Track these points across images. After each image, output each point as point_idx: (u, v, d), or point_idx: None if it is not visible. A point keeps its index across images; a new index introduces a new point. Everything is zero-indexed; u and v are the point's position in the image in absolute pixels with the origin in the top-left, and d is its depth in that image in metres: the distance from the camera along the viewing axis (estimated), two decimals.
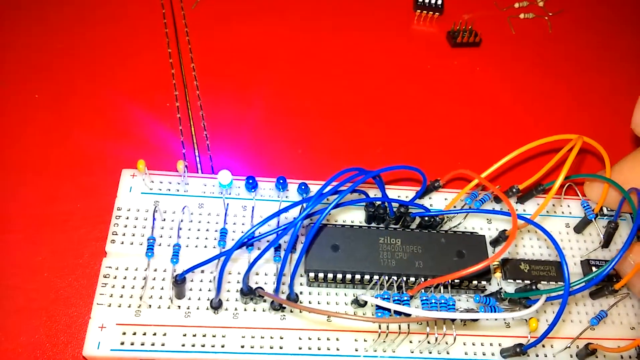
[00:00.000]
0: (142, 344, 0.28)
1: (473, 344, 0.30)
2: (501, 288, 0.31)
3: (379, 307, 0.28)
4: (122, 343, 0.28)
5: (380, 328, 0.28)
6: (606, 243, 0.34)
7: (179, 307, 0.29)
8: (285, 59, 0.42)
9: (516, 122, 0.42)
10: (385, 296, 0.29)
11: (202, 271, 0.30)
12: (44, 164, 0.35)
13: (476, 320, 0.30)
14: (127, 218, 0.32)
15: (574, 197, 0.36)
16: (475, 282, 0.31)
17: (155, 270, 0.30)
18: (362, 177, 0.29)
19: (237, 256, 0.31)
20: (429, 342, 0.29)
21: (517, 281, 0.32)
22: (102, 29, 0.41)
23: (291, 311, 0.30)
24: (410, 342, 0.30)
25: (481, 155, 0.40)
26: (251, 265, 0.28)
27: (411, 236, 0.31)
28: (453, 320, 0.29)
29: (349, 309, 0.31)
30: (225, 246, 0.31)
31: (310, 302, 0.30)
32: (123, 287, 0.30)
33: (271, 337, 0.29)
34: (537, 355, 0.31)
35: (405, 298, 0.29)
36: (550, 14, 0.49)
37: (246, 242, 0.29)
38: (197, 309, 0.29)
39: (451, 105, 0.43)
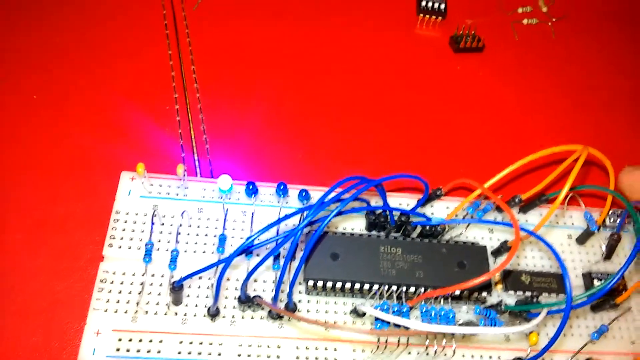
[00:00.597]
0: (138, 351, 0.28)
1: (472, 357, 0.30)
2: (502, 300, 0.31)
3: (378, 318, 0.28)
4: (118, 349, 0.28)
5: (379, 340, 0.28)
6: (608, 255, 0.34)
7: (176, 313, 0.29)
8: (287, 62, 0.42)
9: (519, 128, 0.42)
10: (385, 306, 0.29)
11: (200, 278, 0.30)
12: (42, 166, 0.35)
13: (475, 334, 0.30)
14: (126, 222, 0.31)
15: (577, 208, 0.36)
16: (475, 294, 0.31)
17: (153, 275, 0.30)
18: (364, 186, 0.28)
19: (235, 263, 0.31)
20: (427, 354, 0.29)
21: (518, 293, 0.32)
22: (102, 30, 0.40)
23: (289, 320, 0.29)
24: (409, 353, 0.29)
25: (483, 163, 0.39)
26: (250, 273, 0.28)
27: (412, 245, 0.31)
28: (452, 333, 0.28)
29: (348, 318, 0.30)
30: (224, 252, 0.31)
31: (308, 311, 0.30)
32: (120, 292, 0.29)
33: (268, 346, 0.29)
34: None
35: (405, 309, 0.29)
36: (554, 19, 0.48)
37: (246, 250, 0.29)
38: (194, 316, 0.29)
39: (454, 111, 0.42)
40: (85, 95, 0.38)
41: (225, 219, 0.32)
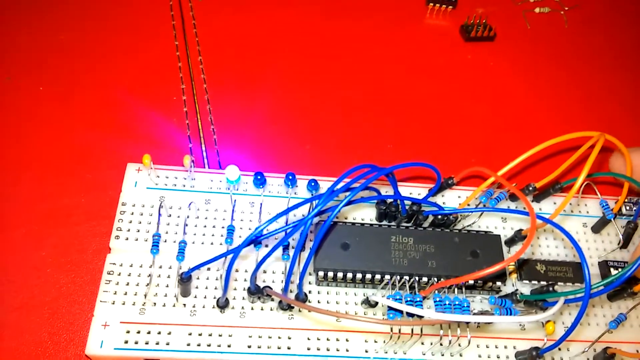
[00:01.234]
0: (147, 343, 0.27)
1: (487, 347, 0.29)
2: (517, 289, 0.30)
3: (390, 308, 0.27)
4: (126, 342, 0.27)
5: (391, 330, 0.27)
6: (625, 244, 0.33)
7: (185, 305, 0.29)
8: (295, 52, 0.41)
9: (530, 118, 0.41)
10: (397, 297, 0.28)
11: (209, 269, 0.30)
12: (48, 158, 0.34)
13: (491, 323, 0.29)
14: (132, 213, 0.31)
15: (593, 196, 0.35)
16: (490, 283, 0.30)
17: (161, 267, 0.30)
18: (375, 175, 0.28)
19: (244, 254, 0.30)
20: (441, 345, 0.28)
21: (533, 282, 0.31)
22: (108, 22, 0.40)
23: (300, 311, 0.29)
24: (422, 344, 0.29)
25: (495, 152, 0.39)
26: (259, 263, 0.27)
27: (424, 235, 0.30)
28: (467, 322, 0.28)
29: (360, 309, 0.30)
30: (233, 243, 0.30)
31: (319, 302, 0.30)
32: (127, 284, 0.29)
33: (279, 337, 0.28)
34: (553, 359, 0.30)
35: (418, 299, 0.28)
36: (566, 8, 0.48)
37: (254, 240, 0.28)
38: (203, 307, 0.29)
39: (465, 100, 0.41)
40: (92, 87, 0.37)
41: (233, 210, 0.32)
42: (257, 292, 0.28)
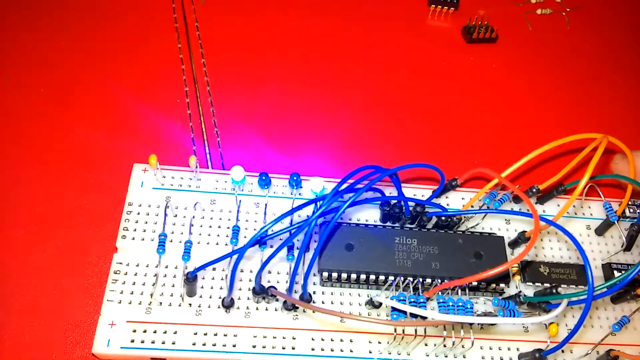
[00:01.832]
0: (153, 342, 0.28)
1: (490, 348, 0.30)
2: (520, 291, 0.30)
3: (394, 309, 0.28)
4: (132, 341, 0.28)
5: (395, 330, 0.27)
6: (628, 246, 0.33)
7: (190, 305, 0.29)
8: (297, 53, 0.42)
9: (533, 120, 0.41)
10: (401, 298, 0.28)
11: (214, 269, 0.30)
12: (51, 159, 0.34)
13: (494, 324, 0.29)
14: (139, 213, 0.31)
15: (596, 198, 0.35)
16: (493, 285, 0.30)
17: (167, 267, 0.30)
18: (379, 175, 0.28)
19: (249, 254, 0.30)
20: (445, 346, 0.28)
21: (537, 284, 0.31)
22: (112, 25, 0.40)
23: (304, 311, 0.29)
24: (426, 345, 0.29)
25: (498, 154, 0.39)
26: (264, 264, 0.27)
27: (427, 236, 0.31)
28: (471, 324, 0.28)
29: (363, 309, 0.30)
30: (238, 244, 0.30)
31: (323, 302, 0.30)
32: (134, 283, 0.29)
33: (283, 338, 0.29)
34: None
35: (422, 300, 0.28)
36: (568, 9, 0.48)
37: (259, 240, 0.28)
38: (209, 307, 0.29)
39: (467, 102, 0.42)
40: (96, 89, 0.38)
41: (238, 210, 0.32)
42: (262, 292, 0.29)
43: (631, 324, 0.31)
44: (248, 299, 0.29)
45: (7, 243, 0.31)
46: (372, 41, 0.43)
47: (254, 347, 0.28)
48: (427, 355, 0.29)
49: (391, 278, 0.29)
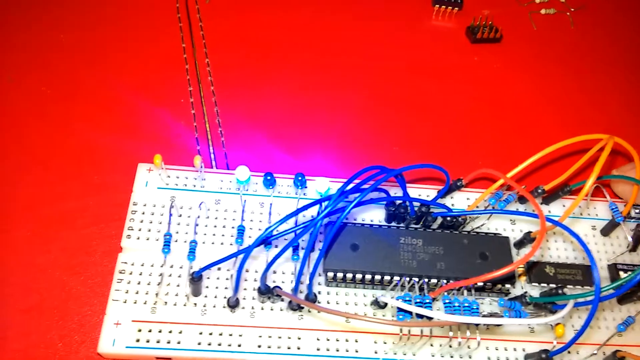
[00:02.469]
0: (158, 342, 0.28)
1: (496, 349, 0.29)
2: (526, 292, 0.30)
3: (400, 309, 0.27)
4: (138, 340, 0.28)
5: (401, 331, 0.27)
6: (634, 247, 0.33)
7: (195, 304, 0.29)
8: (302, 53, 0.42)
9: (538, 120, 0.41)
10: (407, 298, 0.28)
11: (219, 269, 0.30)
12: (55, 159, 0.34)
13: (500, 325, 0.29)
14: (143, 213, 0.31)
15: (602, 199, 0.35)
16: (499, 286, 0.30)
17: (172, 266, 0.30)
18: (385, 176, 0.28)
19: (255, 254, 0.30)
20: (451, 346, 0.28)
21: (542, 285, 0.31)
22: (115, 23, 0.40)
23: (309, 311, 0.29)
24: (432, 345, 0.29)
25: (502, 154, 0.39)
26: (269, 264, 0.27)
27: (433, 236, 0.31)
28: (477, 324, 0.28)
29: (369, 310, 0.30)
30: (243, 244, 0.30)
31: (328, 303, 0.30)
32: (139, 283, 0.29)
33: (289, 338, 0.29)
34: None
35: (427, 300, 0.28)
36: (572, 9, 0.48)
37: (265, 240, 0.28)
38: (214, 307, 0.29)
39: (471, 102, 0.41)
40: (100, 89, 0.38)
41: (243, 210, 0.32)
42: (267, 292, 0.29)
43: (637, 325, 0.31)
44: (253, 298, 0.29)
45: (12, 243, 0.31)
46: (376, 41, 0.43)
47: (259, 347, 0.28)
48: (433, 356, 0.29)
49: (396, 278, 0.29)
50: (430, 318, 0.26)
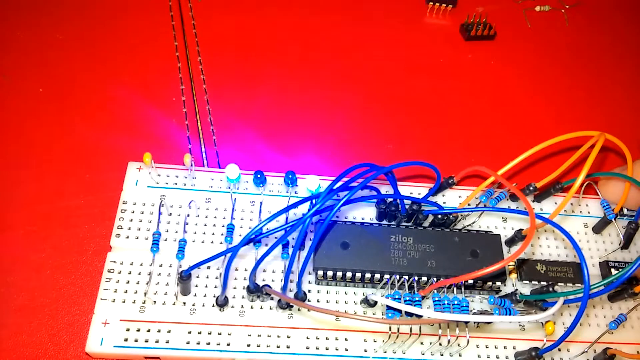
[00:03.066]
0: (146, 341, 0.28)
1: (486, 347, 0.29)
2: (516, 289, 0.30)
3: (389, 308, 0.27)
4: (126, 339, 0.27)
5: (390, 329, 0.27)
6: (626, 244, 0.33)
7: (184, 303, 0.29)
8: (294, 52, 0.41)
9: (531, 117, 0.41)
10: (396, 296, 0.28)
11: (208, 267, 0.30)
12: (47, 158, 0.34)
13: (490, 322, 0.29)
14: (133, 212, 0.31)
15: (594, 197, 0.35)
16: (489, 283, 0.30)
17: (161, 265, 0.30)
18: (374, 173, 0.28)
19: (244, 253, 0.30)
20: (440, 345, 0.28)
21: (533, 282, 0.31)
22: (108, 23, 0.40)
23: (299, 310, 0.29)
24: (421, 343, 0.29)
25: (495, 151, 0.39)
26: (258, 262, 0.27)
27: (423, 234, 0.30)
28: (466, 322, 0.28)
29: (359, 308, 0.30)
30: (232, 242, 0.30)
31: (318, 301, 0.30)
32: (127, 282, 0.29)
33: (278, 336, 0.28)
34: None
35: (417, 298, 0.28)
36: (567, 6, 0.47)
37: (253, 239, 0.28)
38: (203, 306, 0.29)
39: (465, 100, 0.41)
40: (92, 87, 0.37)
41: (233, 209, 0.32)
42: (256, 290, 0.28)
43: (628, 322, 0.31)
44: (242, 297, 0.29)
45: (3, 242, 0.31)
46: (370, 39, 0.43)
47: (248, 345, 0.28)
48: (423, 354, 0.29)
49: (387, 276, 0.29)
50: (419, 316, 0.26)
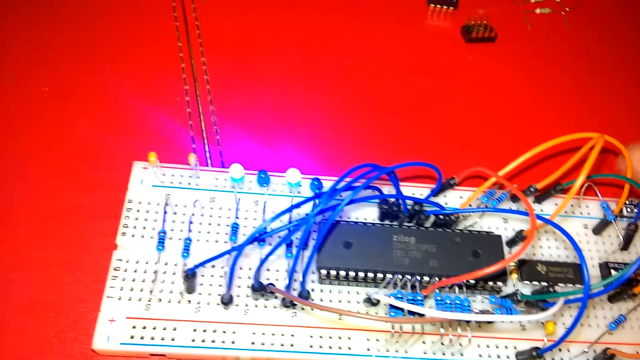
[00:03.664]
0: (152, 338, 0.28)
1: (488, 346, 0.30)
2: (517, 290, 0.30)
3: (392, 307, 0.28)
4: (132, 337, 0.28)
5: (393, 328, 0.28)
6: (625, 245, 0.33)
7: (189, 301, 0.29)
8: (297, 52, 0.42)
9: (531, 119, 0.42)
10: (399, 295, 0.28)
11: (213, 266, 0.30)
12: (52, 157, 0.34)
13: (491, 322, 0.29)
14: (138, 211, 0.31)
15: (593, 198, 0.35)
16: (490, 283, 0.30)
17: (166, 264, 0.30)
18: (377, 174, 0.28)
19: (248, 251, 0.30)
20: (442, 344, 0.28)
21: (534, 283, 0.31)
22: (112, 23, 0.40)
23: (302, 308, 0.29)
24: (424, 342, 0.29)
25: (496, 153, 0.39)
26: (263, 261, 0.28)
27: (425, 234, 0.31)
28: (468, 321, 0.28)
29: (361, 307, 0.30)
30: (237, 241, 0.31)
31: (322, 300, 0.30)
32: (133, 280, 0.29)
33: (282, 335, 0.29)
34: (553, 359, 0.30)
35: (419, 298, 0.28)
36: (567, 9, 0.48)
37: (258, 238, 0.28)
38: (208, 304, 0.29)
39: (466, 101, 0.42)
40: (97, 87, 0.38)
41: (237, 208, 0.32)
42: (260, 289, 0.29)
43: (628, 323, 0.31)
44: (247, 296, 0.30)
45: (8, 240, 0.31)
46: (371, 40, 0.43)
47: (252, 343, 0.28)
48: (425, 353, 0.29)
49: (389, 276, 0.29)
50: (421, 315, 0.27)
